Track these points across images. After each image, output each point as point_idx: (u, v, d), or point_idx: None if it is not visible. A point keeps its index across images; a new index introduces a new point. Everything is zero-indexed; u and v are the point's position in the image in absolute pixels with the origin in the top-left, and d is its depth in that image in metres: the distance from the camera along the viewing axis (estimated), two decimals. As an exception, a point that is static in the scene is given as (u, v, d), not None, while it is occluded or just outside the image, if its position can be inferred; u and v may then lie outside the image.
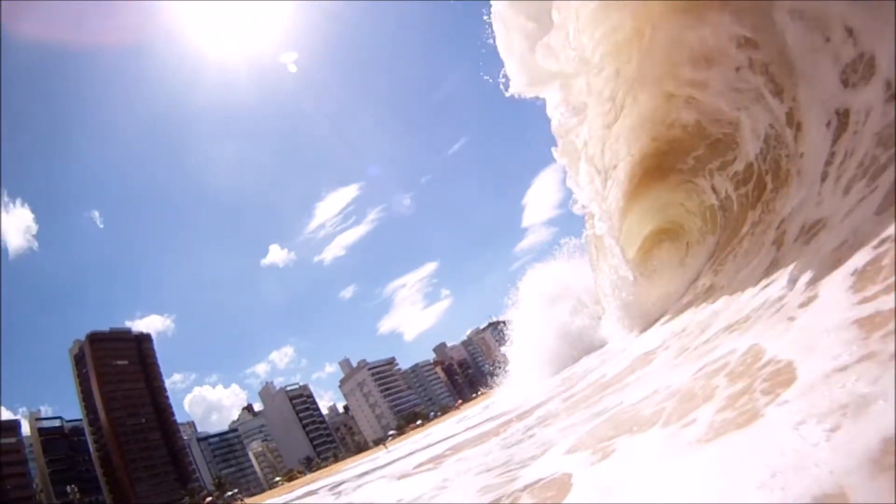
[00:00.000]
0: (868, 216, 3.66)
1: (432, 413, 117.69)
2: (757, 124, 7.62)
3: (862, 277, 2.95)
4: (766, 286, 4.90)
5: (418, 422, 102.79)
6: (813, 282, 3.63)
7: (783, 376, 2.67)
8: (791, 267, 4.55)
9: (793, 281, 4.10)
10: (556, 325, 16.09)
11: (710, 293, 7.79)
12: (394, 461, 13.74)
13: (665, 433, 3.22)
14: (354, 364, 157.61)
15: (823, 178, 5.19)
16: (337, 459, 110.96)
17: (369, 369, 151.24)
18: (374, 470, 13.84)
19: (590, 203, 12.04)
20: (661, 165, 11.21)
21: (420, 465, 8.46)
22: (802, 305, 3.42)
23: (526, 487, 3.76)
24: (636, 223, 13.81)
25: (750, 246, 7.30)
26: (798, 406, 2.33)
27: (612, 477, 3.07)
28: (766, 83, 6.83)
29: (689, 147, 10.15)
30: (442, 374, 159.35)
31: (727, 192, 9.58)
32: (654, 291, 12.13)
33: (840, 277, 3.21)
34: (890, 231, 3.14)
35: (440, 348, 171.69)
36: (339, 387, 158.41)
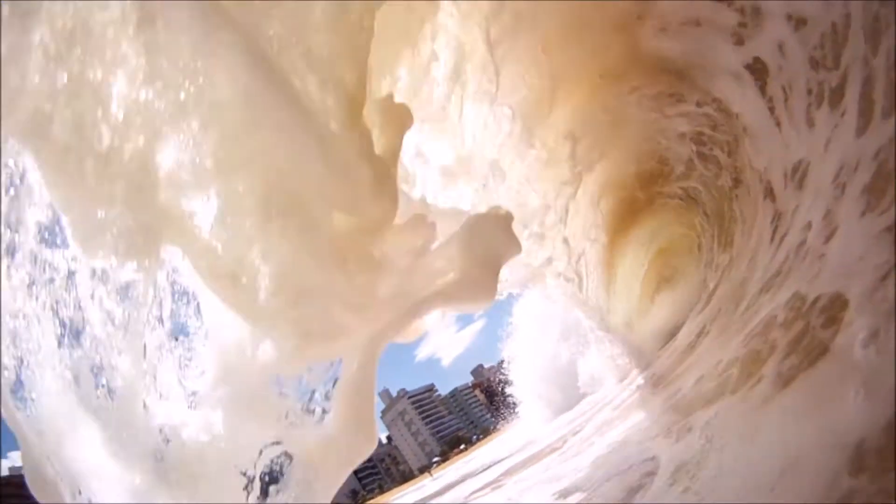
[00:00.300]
0: (850, 139, 3.52)
1: (475, 436, 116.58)
2: (676, 131, 7.90)
3: (873, 193, 2.87)
4: (781, 239, 4.77)
5: (462, 446, 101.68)
6: (826, 217, 3.54)
7: (836, 305, 2.63)
8: (797, 212, 4.46)
9: (807, 222, 3.98)
10: (546, 360, 15.36)
11: (729, 269, 7.74)
12: (446, 488, 13.53)
13: (736, 397, 3.26)
14: (394, 394, 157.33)
15: (778, 123, 5.11)
16: (382, 490, 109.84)
17: (409, 398, 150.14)
18: (426, 499, 13.60)
19: (570, 311, 11.80)
20: (623, 218, 11.26)
21: (476, 491, 8.36)
22: (827, 240, 3.34)
23: (611, 477, 3.77)
24: (630, 266, 13.15)
25: (743, 210, 7.25)
26: (858, 325, 2.30)
27: (698, 450, 3.10)
28: (668, 100, 7.25)
29: (636, 194, 10.51)
30: (481, 397, 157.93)
31: (684, 186, 9.66)
32: (670, 307, 12.21)
33: (850, 203, 3.14)
34: (879, 143, 3.04)
35: (478, 370, 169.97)
36: (381, 418, 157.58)
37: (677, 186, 9.84)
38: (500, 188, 7.35)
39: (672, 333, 10.25)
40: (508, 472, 8.30)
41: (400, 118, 3.42)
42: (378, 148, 3.07)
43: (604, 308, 11.58)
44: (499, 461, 11.74)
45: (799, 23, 4.27)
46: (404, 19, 4.70)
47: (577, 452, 5.85)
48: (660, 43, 6.14)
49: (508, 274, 8.91)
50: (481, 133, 6.77)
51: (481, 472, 11.93)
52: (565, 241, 9.38)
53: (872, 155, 3.04)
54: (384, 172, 3.00)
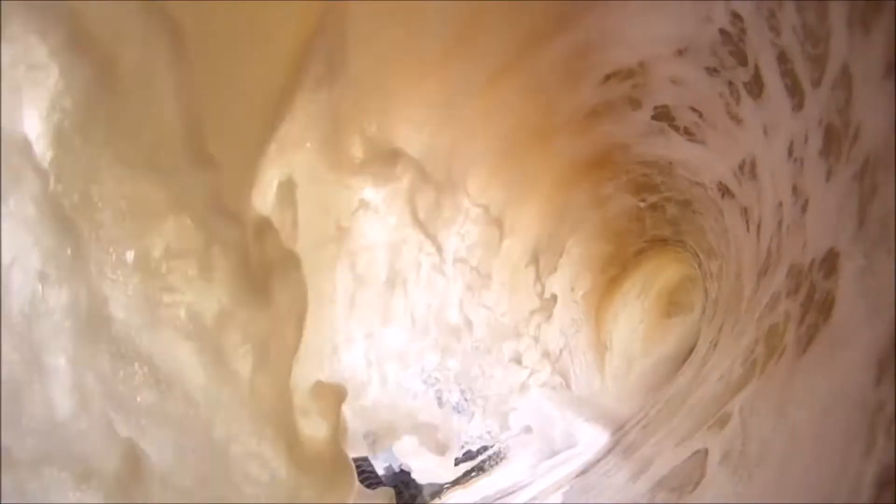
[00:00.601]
0: (788, 117, 3.63)
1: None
2: (620, 206, 8.58)
3: (831, 154, 3.01)
4: (758, 227, 4.89)
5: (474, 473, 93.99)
6: (794, 192, 3.68)
7: (830, 257, 2.77)
8: (763, 198, 4.60)
9: (777, 203, 4.11)
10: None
11: (720, 272, 7.87)
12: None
13: (765, 375, 3.37)
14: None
15: (703, 141, 5.37)
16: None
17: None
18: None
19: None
20: (603, 295, 11.47)
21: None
22: (804, 211, 3.49)
23: (662, 479, 3.83)
24: (625, 325, 13.03)
25: (707, 218, 7.41)
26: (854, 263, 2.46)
27: (740, 432, 3.19)
28: (603, 186, 7.82)
29: (607, 272, 10.93)
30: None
31: (647, 238, 10.13)
32: (679, 332, 12.10)
33: (813, 170, 3.26)
34: (819, 111, 3.15)
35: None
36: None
37: (642, 242, 10.28)
38: (467, 344, 7.15)
39: (689, 350, 10.00)
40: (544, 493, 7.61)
41: (334, 398, 3.65)
42: (321, 431, 3.39)
43: (597, 388, 11.22)
44: (521, 487, 10.54)
45: (681, 52, 4.61)
46: (317, 284, 4.31)
47: (617, 466, 5.79)
48: (576, 148, 6.58)
49: (483, 428, 8.60)
50: (436, 301, 6.53)
51: (502, 497, 10.62)
52: (546, 353, 9.21)
53: (817, 123, 3.18)
54: (336, 474, 3.28)
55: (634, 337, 13.29)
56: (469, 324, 7.01)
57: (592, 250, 9.82)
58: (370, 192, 5.00)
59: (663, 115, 5.57)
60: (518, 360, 8.52)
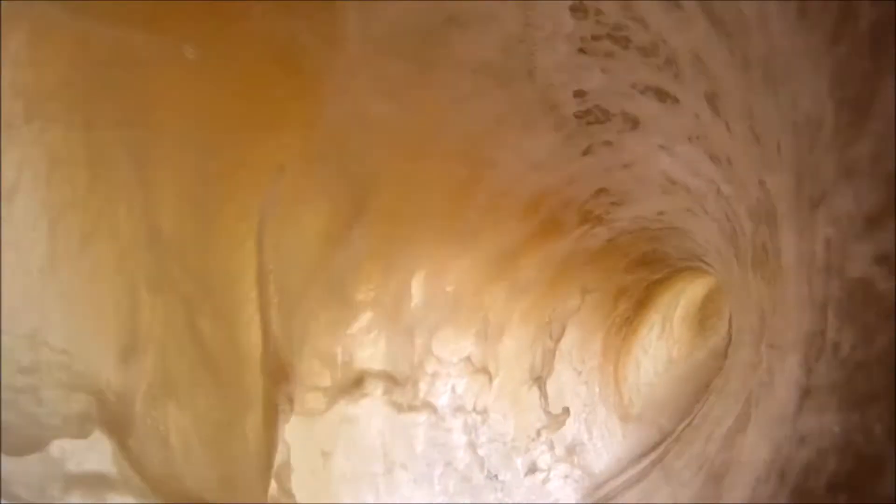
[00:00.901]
0: (668, 121, 3.92)
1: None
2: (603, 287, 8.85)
3: (721, 112, 3.20)
4: (705, 210, 5.12)
5: None
6: (714, 161, 3.92)
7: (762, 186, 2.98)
8: (694, 189, 4.85)
9: (709, 180, 4.35)
10: None
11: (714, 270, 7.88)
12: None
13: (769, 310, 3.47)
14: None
15: (627, 203, 5.80)
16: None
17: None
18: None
19: None
20: (618, 353, 11.23)
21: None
22: (730, 166, 3.68)
23: (723, 445, 3.99)
24: (651, 370, 12.63)
25: (667, 240, 7.59)
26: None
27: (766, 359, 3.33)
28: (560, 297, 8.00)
29: (619, 333, 10.85)
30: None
31: (647, 285, 10.23)
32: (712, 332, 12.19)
33: (716, 136, 3.51)
34: (695, 94, 3.37)
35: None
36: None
37: (638, 294, 10.22)
38: (479, 479, 6.84)
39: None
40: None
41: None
42: None
43: (623, 457, 10.21)
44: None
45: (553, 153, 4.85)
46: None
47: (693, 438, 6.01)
48: (530, 279, 6.82)
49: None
50: (440, 453, 6.27)
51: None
52: (562, 456, 8.75)
53: (698, 99, 3.38)
54: None
55: (663, 380, 12.74)
56: (479, 460, 6.88)
57: (586, 335, 9.65)
58: (347, 409, 4.96)
59: (585, 213, 6.01)
60: (534, 469, 8.22)
